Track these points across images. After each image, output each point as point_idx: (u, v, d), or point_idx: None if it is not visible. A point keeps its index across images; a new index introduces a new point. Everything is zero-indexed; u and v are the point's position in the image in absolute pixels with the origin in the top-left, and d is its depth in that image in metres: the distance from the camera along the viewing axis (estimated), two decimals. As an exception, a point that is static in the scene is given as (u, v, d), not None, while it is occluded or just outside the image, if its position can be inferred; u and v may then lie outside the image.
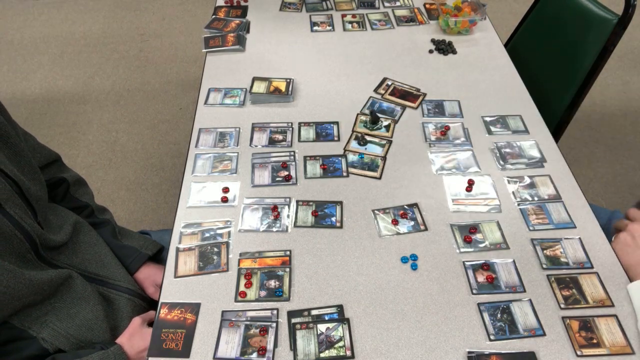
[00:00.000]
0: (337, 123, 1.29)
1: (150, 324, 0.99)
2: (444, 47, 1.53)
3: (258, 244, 1.03)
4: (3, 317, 0.86)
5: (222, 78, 1.45)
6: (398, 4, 1.75)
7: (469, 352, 0.85)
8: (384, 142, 1.24)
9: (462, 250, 1.00)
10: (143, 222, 2.09)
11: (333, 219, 1.07)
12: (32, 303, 0.92)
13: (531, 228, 1.04)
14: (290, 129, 1.28)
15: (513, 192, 1.11)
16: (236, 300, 0.93)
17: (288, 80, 1.40)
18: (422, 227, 1.05)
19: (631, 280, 0.93)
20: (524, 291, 0.93)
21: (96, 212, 1.16)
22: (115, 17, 3.34)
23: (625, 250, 0.97)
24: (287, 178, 1.15)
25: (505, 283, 0.94)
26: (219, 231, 1.05)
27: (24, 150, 0.98)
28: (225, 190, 1.13)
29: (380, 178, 1.16)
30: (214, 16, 1.71)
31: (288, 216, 1.07)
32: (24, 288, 0.88)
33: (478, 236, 1.02)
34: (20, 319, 0.90)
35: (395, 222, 1.05)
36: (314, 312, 0.91)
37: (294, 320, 0.90)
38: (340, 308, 0.91)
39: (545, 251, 0.99)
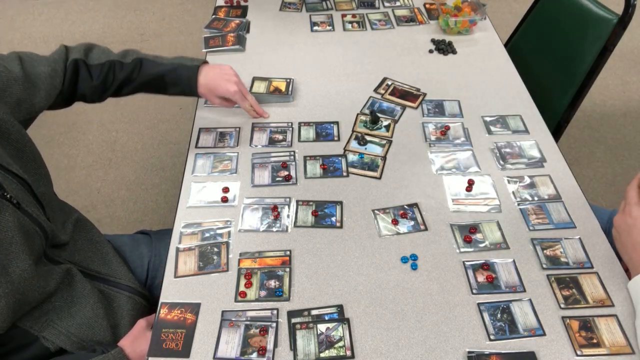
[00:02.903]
0: (337, 123, 1.29)
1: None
2: (444, 47, 1.53)
3: (258, 244, 1.03)
4: (10, 322, 0.86)
5: (222, 78, 1.44)
6: (398, 4, 1.75)
7: (469, 352, 0.85)
8: (384, 142, 1.24)
9: (462, 250, 1.00)
10: (143, 222, 2.09)
11: (333, 219, 1.07)
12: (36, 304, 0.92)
13: (531, 228, 1.04)
14: (290, 129, 1.28)
15: (513, 192, 1.11)
16: (236, 300, 0.93)
17: (288, 80, 1.40)
18: (422, 227, 1.05)
19: (629, 277, 0.93)
20: (524, 291, 0.93)
21: (123, 61, 1.18)
22: (115, 17, 3.34)
23: (618, 244, 0.96)
24: (287, 178, 1.15)
25: (505, 283, 0.94)
26: (219, 231, 1.05)
27: (26, 144, 0.97)
28: (225, 190, 1.13)
29: (380, 178, 1.16)
30: (214, 16, 1.71)
31: (288, 216, 1.07)
32: (37, 295, 0.89)
33: (478, 236, 1.03)
34: (22, 319, 0.90)
35: (395, 222, 1.05)
36: (314, 312, 0.91)
37: (294, 320, 0.90)
38: (340, 308, 0.91)
39: (545, 251, 0.99)
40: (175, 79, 1.20)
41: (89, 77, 1.13)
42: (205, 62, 1.25)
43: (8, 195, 0.87)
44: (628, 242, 0.91)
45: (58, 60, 1.10)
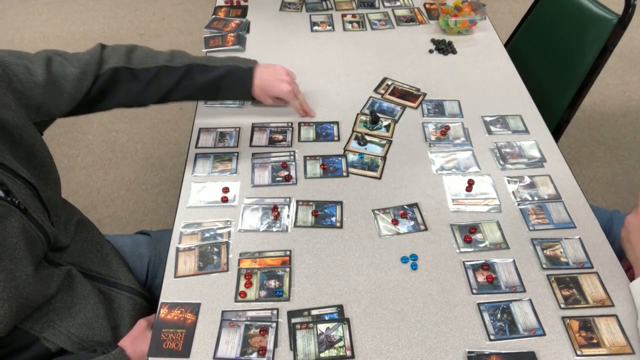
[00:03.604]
0: (337, 123, 1.29)
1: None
2: (444, 47, 1.53)
3: (258, 244, 1.03)
4: (12, 326, 0.86)
5: (222, 78, 1.44)
6: (398, 3, 1.75)
7: (469, 352, 0.85)
8: (384, 142, 1.24)
9: (462, 250, 1.00)
10: (143, 222, 2.09)
11: (333, 219, 1.07)
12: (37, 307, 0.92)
13: (531, 228, 1.04)
14: (290, 129, 1.28)
15: (513, 192, 1.11)
16: (236, 300, 0.93)
17: (288, 80, 1.40)
18: (422, 227, 1.05)
19: (629, 277, 0.93)
20: (524, 291, 0.93)
21: (171, 66, 1.13)
22: (115, 17, 3.34)
23: (626, 243, 0.95)
24: (287, 178, 1.15)
25: (505, 283, 0.94)
26: (219, 231, 1.05)
27: (38, 149, 0.96)
28: (225, 190, 1.13)
29: (380, 178, 1.16)
30: (214, 16, 1.71)
31: (288, 216, 1.07)
32: (39, 298, 0.89)
33: (478, 236, 1.03)
34: (22, 320, 0.90)
35: (395, 222, 1.05)
36: (314, 312, 0.91)
37: (294, 320, 0.90)
38: (340, 308, 0.91)
39: (545, 251, 0.99)
40: (230, 84, 1.17)
41: (133, 81, 1.08)
42: (255, 61, 1.22)
43: (17, 202, 0.87)
44: (636, 242, 0.92)
45: (90, 61, 1.05)
